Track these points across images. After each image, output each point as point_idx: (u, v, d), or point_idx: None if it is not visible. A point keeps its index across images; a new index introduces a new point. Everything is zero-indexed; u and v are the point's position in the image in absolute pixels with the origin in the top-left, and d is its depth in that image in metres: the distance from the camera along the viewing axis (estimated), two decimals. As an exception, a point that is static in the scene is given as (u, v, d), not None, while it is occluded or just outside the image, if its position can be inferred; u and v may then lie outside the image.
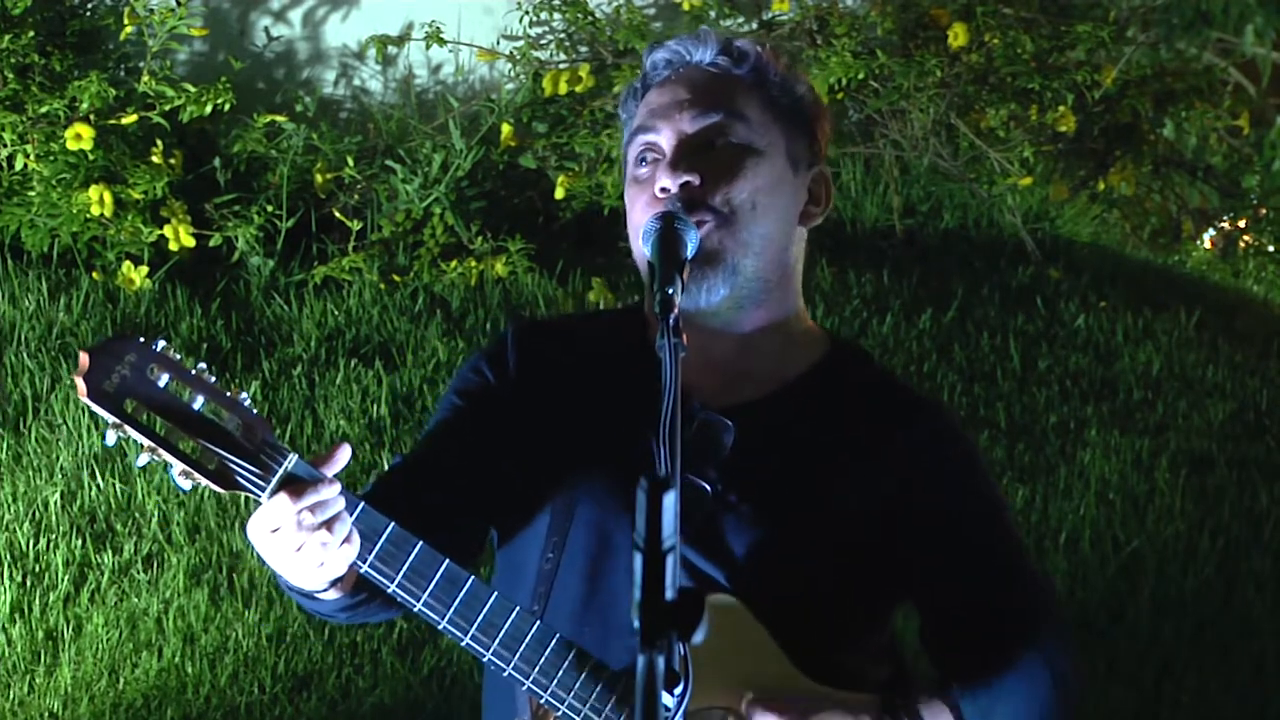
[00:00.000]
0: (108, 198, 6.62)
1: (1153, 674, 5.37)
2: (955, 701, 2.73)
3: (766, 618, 2.71)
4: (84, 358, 2.53)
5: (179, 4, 6.91)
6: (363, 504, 2.61)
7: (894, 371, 3.68)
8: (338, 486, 2.56)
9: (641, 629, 2.11)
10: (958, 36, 7.40)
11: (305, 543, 2.55)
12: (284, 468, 2.55)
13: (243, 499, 3.59)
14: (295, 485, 2.54)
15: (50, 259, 6.76)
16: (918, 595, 2.86)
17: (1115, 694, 5.27)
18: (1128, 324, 7.05)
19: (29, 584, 5.48)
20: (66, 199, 6.66)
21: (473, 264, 6.88)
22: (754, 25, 7.65)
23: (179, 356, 2.56)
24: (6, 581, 5.45)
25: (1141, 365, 6.83)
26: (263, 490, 2.55)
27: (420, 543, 2.63)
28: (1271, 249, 8.53)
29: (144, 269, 6.66)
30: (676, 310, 2.57)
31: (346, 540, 2.58)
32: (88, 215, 6.65)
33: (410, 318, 6.68)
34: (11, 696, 5.15)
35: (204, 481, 2.56)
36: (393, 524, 2.62)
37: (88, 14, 7.17)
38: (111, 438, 2.56)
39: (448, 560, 2.64)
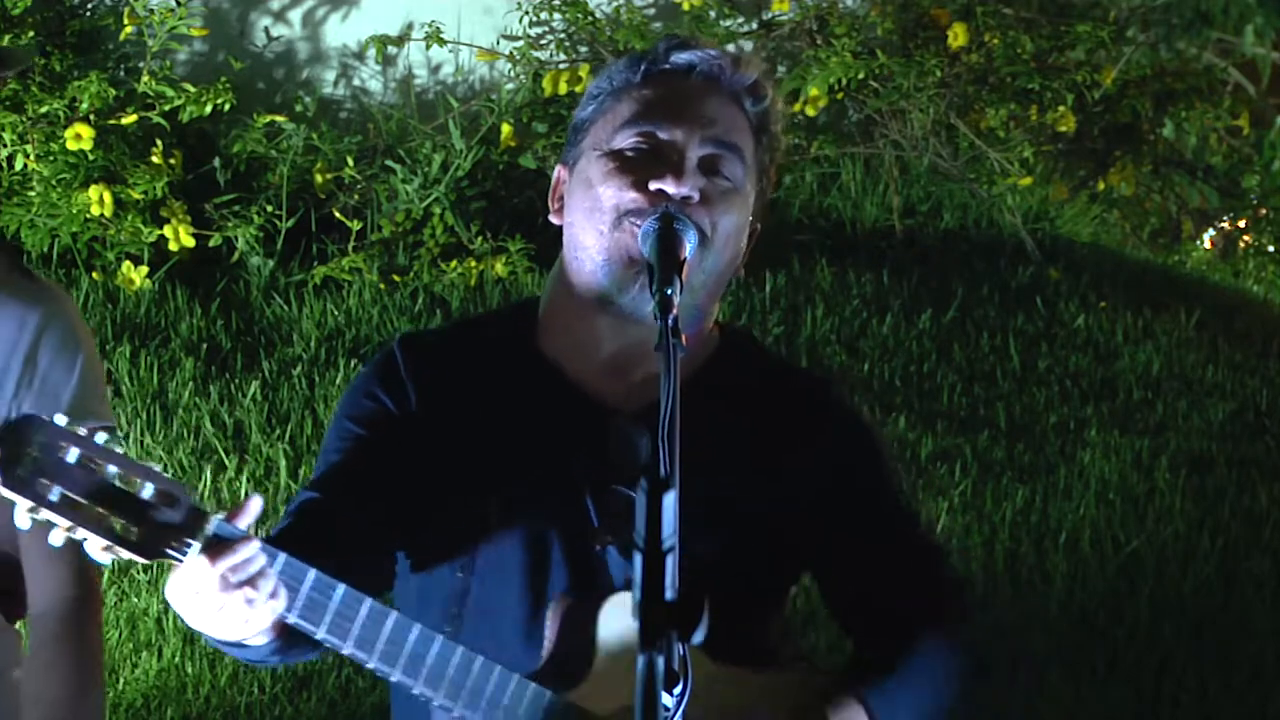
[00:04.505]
0: (108, 198, 6.62)
1: (1153, 674, 5.37)
2: (865, 700, 2.78)
3: None
4: None
5: (179, 4, 6.91)
6: (285, 556, 2.59)
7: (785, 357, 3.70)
8: (256, 543, 2.53)
9: (641, 629, 2.10)
10: (957, 36, 7.40)
11: (227, 603, 2.53)
12: (205, 531, 2.52)
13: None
14: (214, 547, 2.51)
15: (50, 259, 6.76)
16: (819, 569, 2.93)
17: (1115, 694, 5.27)
18: (1128, 324, 7.05)
19: (29, 584, 5.48)
20: (66, 199, 6.66)
21: (473, 264, 6.88)
22: (754, 25, 7.65)
23: (84, 432, 2.50)
24: (6, 581, 5.45)
25: (1141, 365, 6.83)
26: (186, 557, 2.54)
27: (343, 587, 2.61)
28: (1271, 249, 8.53)
29: (144, 269, 6.66)
30: (676, 310, 2.57)
31: (273, 595, 2.56)
32: (88, 215, 6.64)
33: (410, 318, 6.67)
34: (11, 696, 5.15)
35: (125, 554, 2.50)
36: (314, 572, 2.60)
37: (88, 14, 7.17)
38: (26, 521, 2.48)
39: (370, 599, 2.63)
